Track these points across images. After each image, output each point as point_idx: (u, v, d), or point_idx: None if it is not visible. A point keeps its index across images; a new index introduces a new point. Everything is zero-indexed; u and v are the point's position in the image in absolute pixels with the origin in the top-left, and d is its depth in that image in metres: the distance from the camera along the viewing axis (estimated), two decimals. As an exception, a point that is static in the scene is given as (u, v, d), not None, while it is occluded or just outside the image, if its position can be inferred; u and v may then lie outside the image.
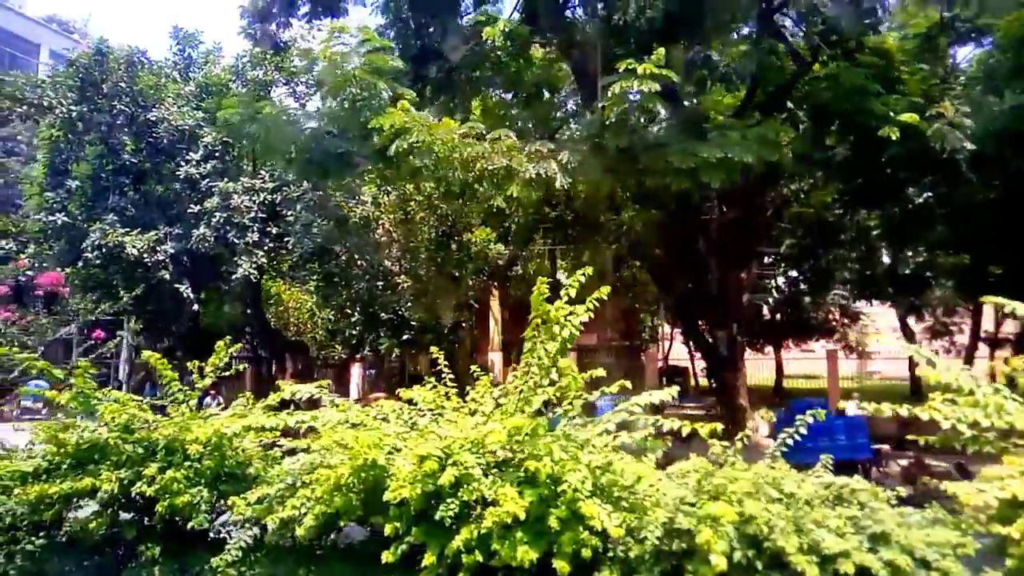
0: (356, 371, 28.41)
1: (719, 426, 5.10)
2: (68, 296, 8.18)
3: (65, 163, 17.97)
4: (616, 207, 17.00)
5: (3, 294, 8.01)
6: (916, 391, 27.14)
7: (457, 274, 23.81)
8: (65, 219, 16.83)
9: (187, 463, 5.96)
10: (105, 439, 5.90)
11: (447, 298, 23.82)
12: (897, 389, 28.49)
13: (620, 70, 6.83)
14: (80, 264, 16.94)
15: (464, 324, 25.87)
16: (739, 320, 15.81)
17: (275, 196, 18.10)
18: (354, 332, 21.88)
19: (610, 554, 4.87)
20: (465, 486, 5.11)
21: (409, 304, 21.66)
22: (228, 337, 7.02)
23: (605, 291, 5.62)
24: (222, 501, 6.03)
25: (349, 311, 21.52)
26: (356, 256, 20.14)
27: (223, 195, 17.47)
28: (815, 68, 10.02)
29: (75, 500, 6.39)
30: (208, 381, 6.69)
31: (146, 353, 6.90)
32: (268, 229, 17.88)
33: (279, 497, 5.56)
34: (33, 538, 6.64)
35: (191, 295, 17.82)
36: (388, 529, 5.15)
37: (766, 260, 25.05)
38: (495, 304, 30.96)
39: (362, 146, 7.51)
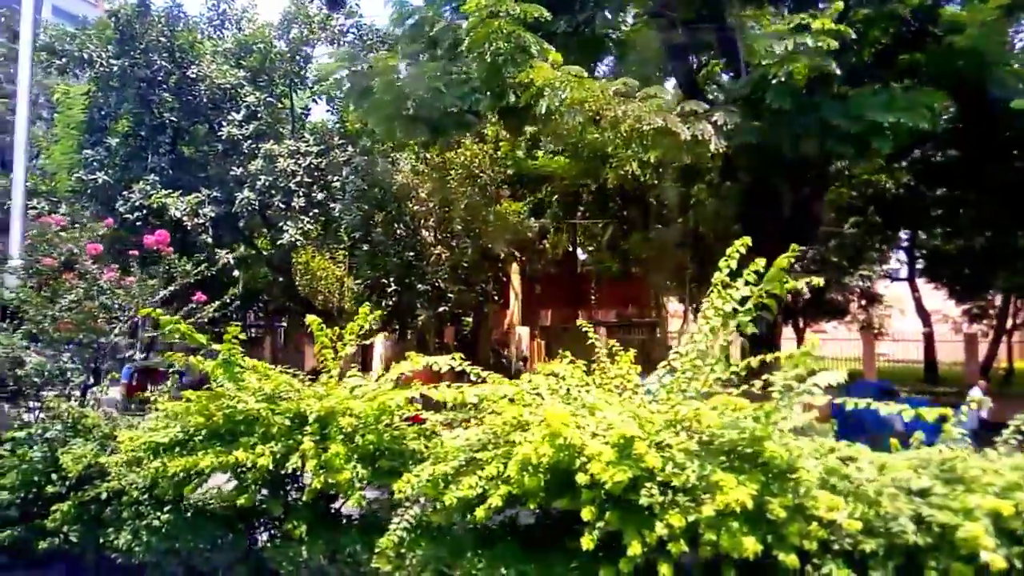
0: (379, 342, 27.99)
1: (950, 411, 4.76)
2: (171, 255, 7.65)
3: (104, 120, 17.27)
4: (686, 179, 16.56)
5: (98, 252, 7.47)
6: (931, 374, 27.07)
7: (491, 246, 23.48)
8: (105, 178, 16.17)
9: (340, 437, 5.56)
10: (257, 410, 5.47)
11: (481, 270, 23.46)
12: (912, 372, 28.43)
13: (779, 25, 6.35)
14: (116, 226, 16.31)
15: (496, 297, 25.57)
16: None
17: (320, 160, 17.49)
18: (389, 303, 21.40)
19: (835, 547, 4.56)
20: (674, 470, 4.75)
21: (445, 276, 21.22)
22: (368, 303, 6.58)
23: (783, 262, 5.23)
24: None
25: (385, 281, 21.02)
26: (395, 225, 19.62)
27: (268, 158, 16.85)
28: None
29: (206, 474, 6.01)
30: (351, 349, 6.26)
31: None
32: (313, 195, 17.30)
33: (453, 476, 5.18)
34: (159, 513, 6.27)
35: (231, 260, 17.29)
36: (586, 514, 4.80)
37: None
38: (516, 277, 30.65)
39: (491, 103, 7.01)
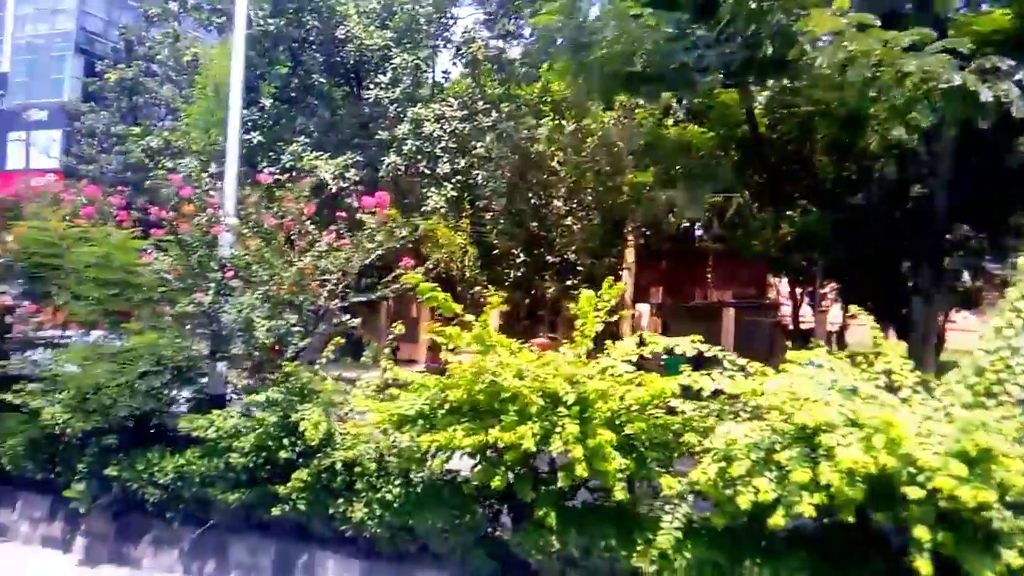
0: (494, 314, 27.80)
1: None
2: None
3: (258, 80, 17.54)
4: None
5: (310, 214, 7.25)
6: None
7: (619, 218, 22.75)
8: (260, 138, 16.41)
9: (603, 423, 5.09)
10: (519, 388, 5.07)
11: (609, 243, 22.75)
12: None
13: None
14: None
15: (621, 270, 24.84)
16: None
17: (464, 125, 17.14)
18: (518, 274, 21.08)
19: None
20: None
21: (575, 247, 20.70)
22: (611, 277, 6.08)
23: None
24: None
25: (514, 252, 20.69)
26: (529, 194, 19.13)
27: (415, 122, 16.62)
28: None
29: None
30: (598, 326, 5.74)
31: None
32: (457, 161, 17.00)
33: (745, 477, 4.61)
34: (390, 486, 6.03)
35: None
36: (921, 533, 4.15)
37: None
38: (629, 252, 29.71)
39: (742, 57, 6.26)
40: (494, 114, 17.34)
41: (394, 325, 6.80)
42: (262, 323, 6.46)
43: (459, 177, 17.07)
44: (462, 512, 5.76)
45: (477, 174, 17.19)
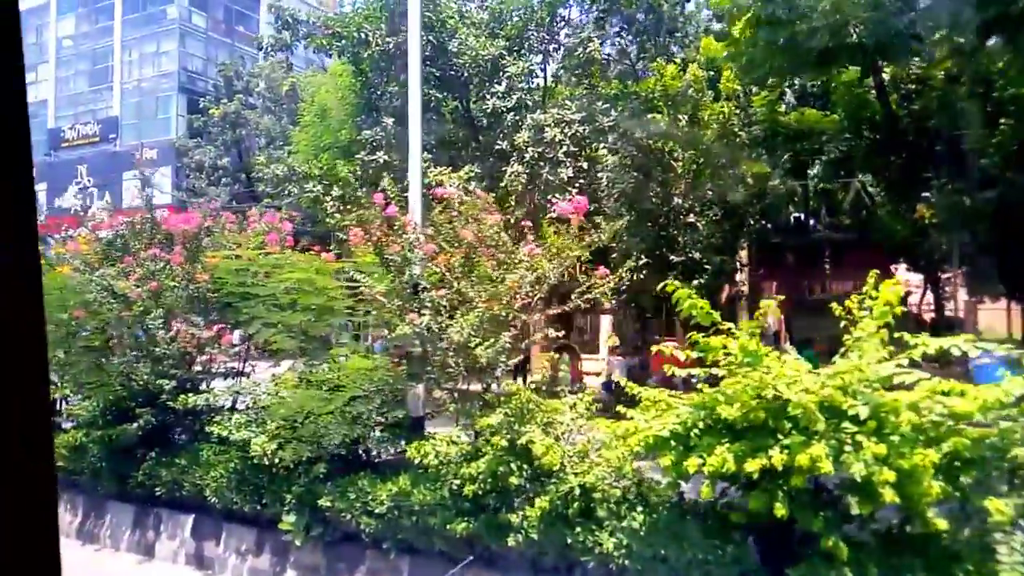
0: (606, 320, 27.13)
1: None
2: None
3: (379, 99, 17.66)
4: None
5: (498, 224, 6.89)
6: None
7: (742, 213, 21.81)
8: (387, 158, 16.46)
9: (906, 440, 4.44)
10: (804, 403, 4.49)
11: (734, 238, 21.83)
12: None
13: None
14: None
15: (744, 266, 23.78)
16: None
17: (583, 128, 16.66)
18: (640, 276, 20.36)
19: None
20: None
21: (700, 245, 19.86)
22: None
23: None
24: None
25: (636, 253, 19.99)
26: (651, 192, 18.45)
27: (535, 128, 16.26)
28: None
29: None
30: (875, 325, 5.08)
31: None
32: (579, 164, 16.53)
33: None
34: (634, 514, 5.55)
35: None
36: None
37: None
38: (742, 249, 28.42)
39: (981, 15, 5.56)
40: (613, 113, 16.78)
41: (609, 337, 6.36)
42: (476, 341, 6.13)
43: (581, 181, 16.58)
44: (724, 542, 5.22)
45: (601, 177, 16.68)
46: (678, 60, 19.77)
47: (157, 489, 8.04)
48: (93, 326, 8.22)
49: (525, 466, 5.82)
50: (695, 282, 20.65)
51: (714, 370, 5.57)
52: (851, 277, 28.47)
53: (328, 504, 6.71)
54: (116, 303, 7.73)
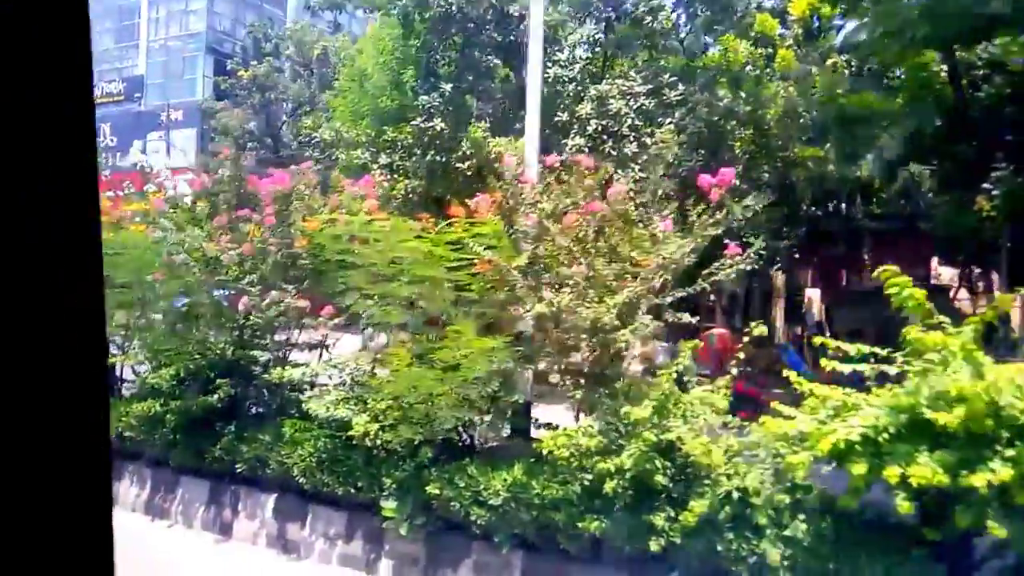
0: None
1: None
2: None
3: (436, 64, 16.97)
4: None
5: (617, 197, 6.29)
6: None
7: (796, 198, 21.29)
8: (442, 125, 15.82)
9: None
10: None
11: (792, 225, 21.27)
12: None
13: None
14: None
15: (795, 254, 23.19)
16: None
17: (650, 101, 15.96)
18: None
19: None
20: None
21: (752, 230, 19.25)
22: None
23: None
24: None
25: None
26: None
27: (598, 100, 15.57)
28: None
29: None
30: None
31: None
32: (643, 139, 15.85)
33: None
34: (797, 523, 5.04)
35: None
36: None
37: None
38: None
39: None
40: (680, 86, 16.08)
41: (754, 325, 5.82)
42: (616, 324, 5.58)
43: (645, 157, 15.92)
44: (905, 558, 4.71)
45: (667, 152, 15.99)
46: (730, 36, 19.06)
47: (237, 465, 7.58)
48: (173, 290, 7.74)
49: (669, 464, 5.32)
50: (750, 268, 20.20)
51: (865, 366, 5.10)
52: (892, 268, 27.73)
53: (436, 491, 6.23)
54: (204, 267, 7.23)
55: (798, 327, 23.77)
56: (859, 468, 4.43)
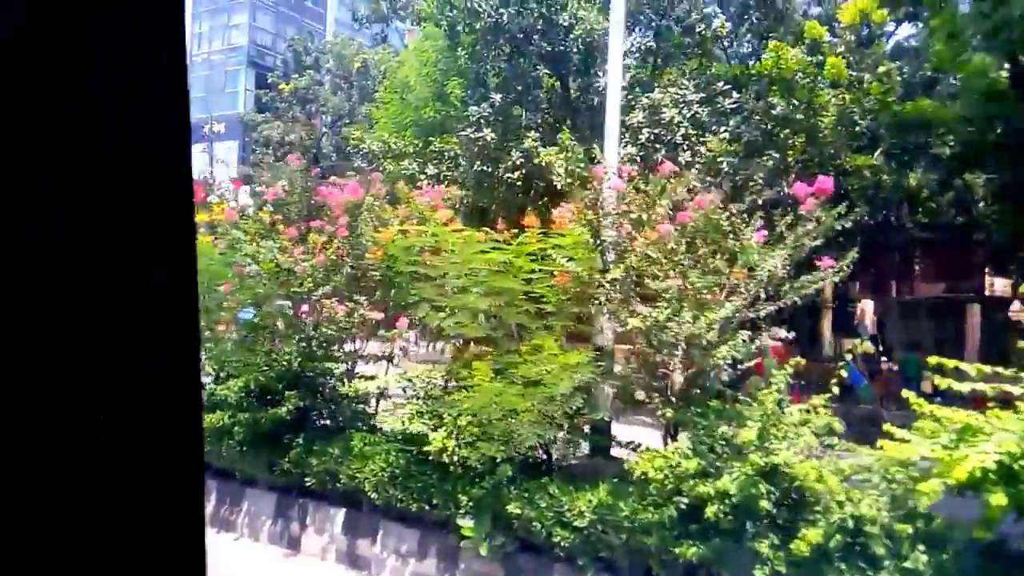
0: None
1: None
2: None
3: (485, 75, 16.92)
4: None
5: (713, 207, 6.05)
6: None
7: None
8: (492, 135, 15.73)
9: None
10: None
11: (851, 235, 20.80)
12: None
13: None
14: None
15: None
16: None
17: (703, 108, 15.68)
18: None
19: None
20: None
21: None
22: None
23: None
24: None
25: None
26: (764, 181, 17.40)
27: (650, 108, 15.34)
28: None
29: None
30: None
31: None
32: (697, 148, 15.57)
33: None
34: (916, 553, 4.72)
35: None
36: None
37: None
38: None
39: None
40: (735, 94, 15.77)
41: (857, 344, 5.52)
42: (714, 339, 5.34)
43: (699, 166, 15.63)
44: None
45: (721, 161, 15.69)
46: (780, 43, 18.73)
47: (306, 479, 7.46)
48: (242, 302, 7.68)
49: (773, 489, 5.04)
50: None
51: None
52: (940, 279, 26.94)
53: (516, 511, 6.02)
54: (276, 279, 7.16)
55: (846, 338, 23.13)
56: (999, 499, 4.12)
